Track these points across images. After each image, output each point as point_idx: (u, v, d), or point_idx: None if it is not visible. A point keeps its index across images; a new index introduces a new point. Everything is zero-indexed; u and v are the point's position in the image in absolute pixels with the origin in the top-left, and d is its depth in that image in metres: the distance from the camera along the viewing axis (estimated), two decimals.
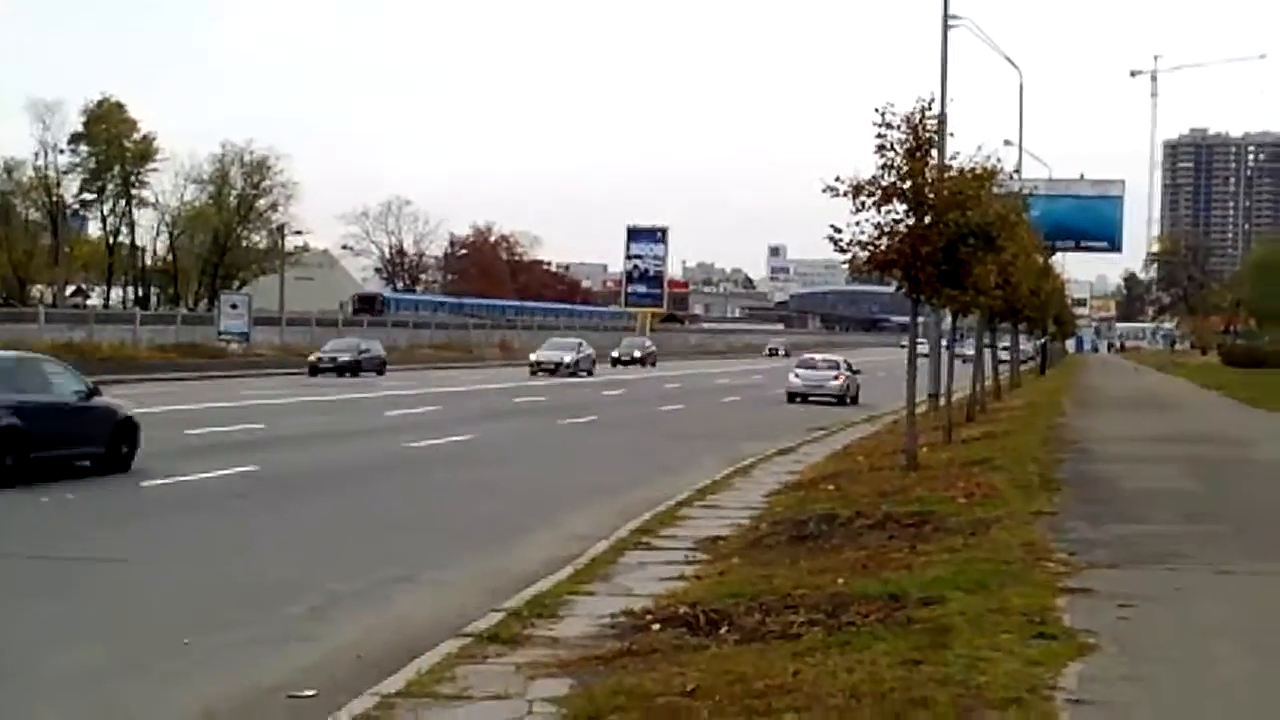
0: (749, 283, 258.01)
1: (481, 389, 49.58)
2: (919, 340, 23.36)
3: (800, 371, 48.75)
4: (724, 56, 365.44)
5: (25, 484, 17.85)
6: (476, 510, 18.23)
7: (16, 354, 23.13)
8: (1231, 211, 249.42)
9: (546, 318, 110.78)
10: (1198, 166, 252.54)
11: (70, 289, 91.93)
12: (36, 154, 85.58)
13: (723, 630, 9.61)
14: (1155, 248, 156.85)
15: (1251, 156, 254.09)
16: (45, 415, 19.49)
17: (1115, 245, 79.82)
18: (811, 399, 45.15)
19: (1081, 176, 76.51)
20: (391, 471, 22.20)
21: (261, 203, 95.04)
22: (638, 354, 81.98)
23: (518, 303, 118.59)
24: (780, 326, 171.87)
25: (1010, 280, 27.17)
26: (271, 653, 9.98)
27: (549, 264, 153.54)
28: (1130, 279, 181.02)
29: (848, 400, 46.02)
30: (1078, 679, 8.17)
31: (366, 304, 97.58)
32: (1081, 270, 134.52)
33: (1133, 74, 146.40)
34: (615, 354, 79.27)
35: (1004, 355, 51.66)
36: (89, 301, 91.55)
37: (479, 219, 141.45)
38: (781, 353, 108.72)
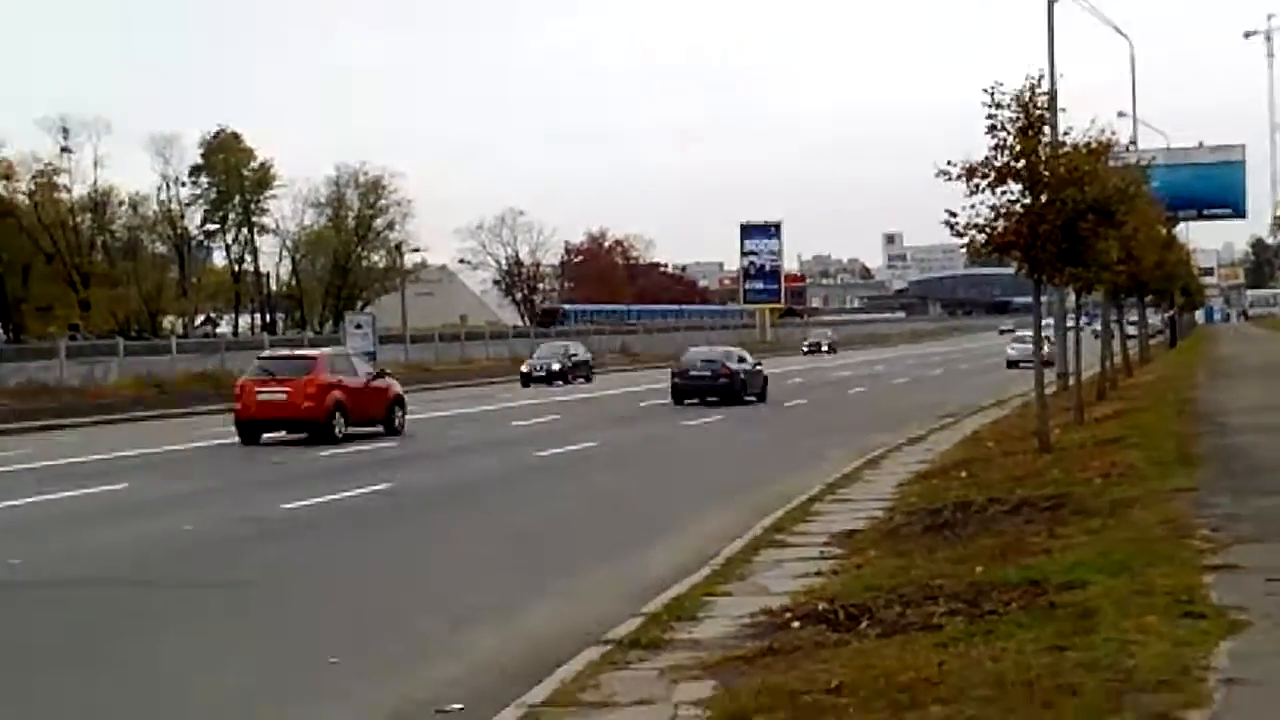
0: (866, 272, 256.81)
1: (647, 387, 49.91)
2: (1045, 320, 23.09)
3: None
4: (826, 43, 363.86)
5: None
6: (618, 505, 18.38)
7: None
8: None
9: (693, 319, 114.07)
10: None
11: (199, 319, 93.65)
12: (159, 188, 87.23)
13: (863, 624, 9.56)
14: None
15: None
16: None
17: (1240, 211, 78.28)
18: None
19: (1200, 144, 75.08)
20: (529, 479, 22.43)
21: (378, 222, 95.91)
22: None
23: (674, 307, 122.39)
24: (902, 314, 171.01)
25: (1133, 254, 26.86)
26: (417, 668, 10.02)
27: (665, 266, 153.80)
28: (1257, 244, 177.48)
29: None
30: (1230, 657, 8.02)
31: (549, 316, 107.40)
32: (1207, 239, 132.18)
33: (1246, 35, 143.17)
34: (525, 368, 61.18)
35: (1132, 330, 51.00)
36: (218, 330, 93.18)
37: (593, 225, 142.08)
38: (825, 348, 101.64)
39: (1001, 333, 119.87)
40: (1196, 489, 14.97)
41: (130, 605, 12.75)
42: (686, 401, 41.05)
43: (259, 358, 34.66)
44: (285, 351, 39.92)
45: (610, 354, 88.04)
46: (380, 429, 31.31)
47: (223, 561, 15.08)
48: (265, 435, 30.34)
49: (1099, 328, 40.19)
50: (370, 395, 31.31)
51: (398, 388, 33.09)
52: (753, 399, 42.21)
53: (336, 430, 29.50)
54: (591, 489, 21.37)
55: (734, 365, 42.73)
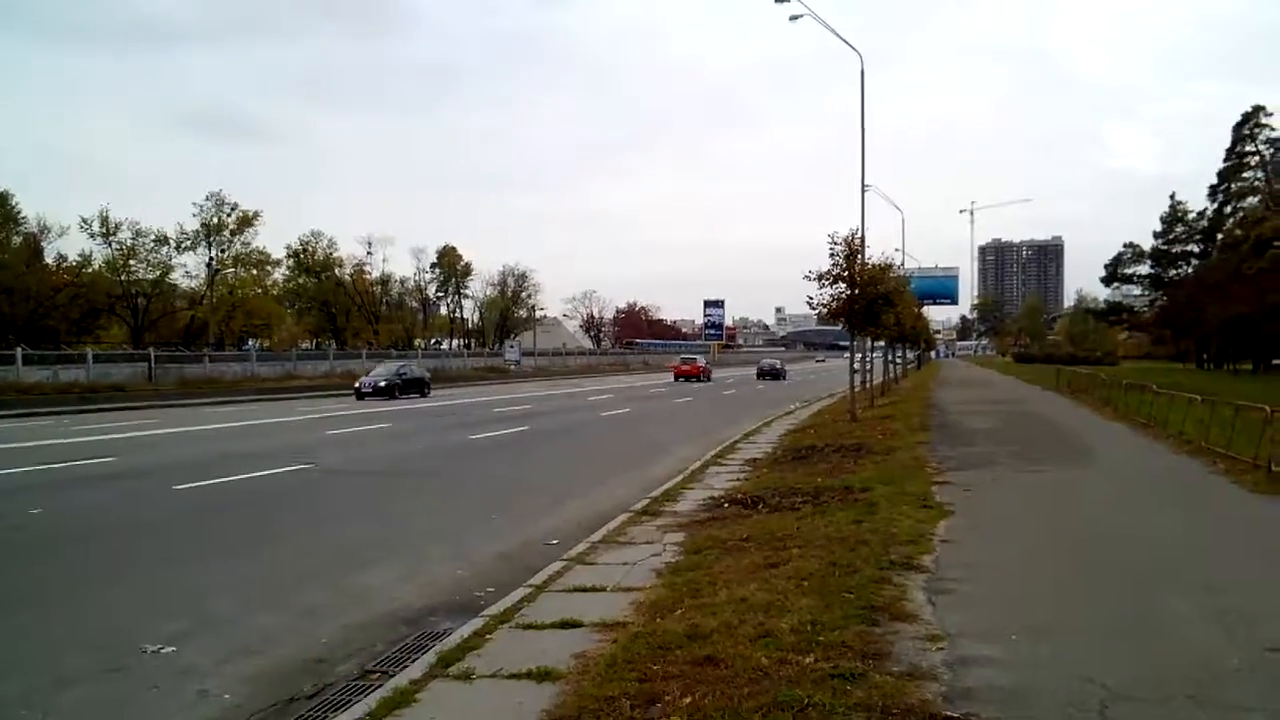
0: (766, 327, 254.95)
1: (631, 385, 49.66)
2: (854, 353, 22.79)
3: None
4: (750, 199, 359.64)
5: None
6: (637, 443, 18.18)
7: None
8: (1015, 281, 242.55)
9: (669, 350, 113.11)
10: (997, 258, 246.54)
11: (433, 340, 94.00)
12: (414, 273, 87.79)
13: (759, 507, 9.52)
14: (976, 301, 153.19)
15: (1025, 252, 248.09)
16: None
17: (955, 301, 78.51)
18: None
19: (936, 266, 74.78)
20: (598, 427, 22.26)
21: (523, 294, 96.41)
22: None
23: (661, 341, 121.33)
24: (783, 349, 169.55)
25: (901, 321, 26.71)
26: (534, 522, 9.86)
27: (665, 320, 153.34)
28: (963, 318, 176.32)
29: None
30: (945, 529, 7.98)
31: (629, 345, 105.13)
32: (937, 315, 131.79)
33: (960, 210, 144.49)
34: (359, 384, 34.93)
35: (899, 360, 50.69)
36: (442, 347, 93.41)
37: (631, 298, 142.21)
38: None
39: (817, 361, 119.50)
40: (930, 443, 14.90)
41: (385, 485, 12.72)
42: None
43: (680, 358, 48.72)
44: (689, 356, 54.25)
45: (636, 365, 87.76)
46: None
47: (443, 463, 14.86)
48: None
49: (877, 359, 39.81)
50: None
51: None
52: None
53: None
54: (640, 435, 20.92)
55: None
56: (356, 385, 35.62)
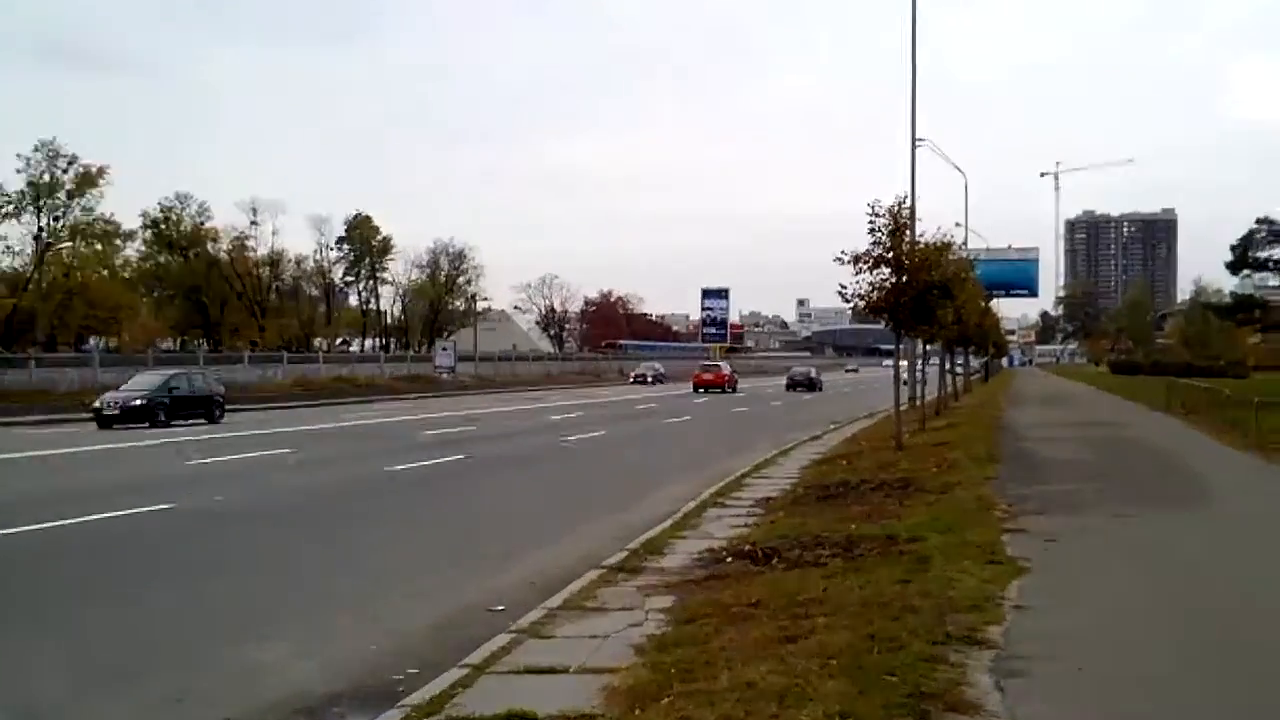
0: (784, 324, 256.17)
1: (619, 398, 49.79)
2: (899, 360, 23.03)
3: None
4: (765, 163, 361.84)
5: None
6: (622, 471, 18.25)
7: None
8: (1112, 266, 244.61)
9: (656, 353, 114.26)
10: (1089, 236, 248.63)
11: (339, 340, 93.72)
12: (315, 251, 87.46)
13: (774, 561, 9.54)
14: (1061, 293, 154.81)
15: (1125, 229, 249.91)
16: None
17: (1034, 292, 78.99)
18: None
19: (1009, 246, 75.46)
20: (560, 455, 22.31)
21: (460, 280, 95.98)
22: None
23: (646, 343, 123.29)
24: (807, 354, 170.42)
25: (962, 318, 26.95)
26: (476, 581, 9.87)
27: (650, 315, 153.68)
28: (1044, 315, 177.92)
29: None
30: (1018, 591, 8.04)
31: (612, 347, 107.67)
32: (1011, 310, 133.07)
33: (1042, 174, 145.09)
34: (100, 403, 31.61)
35: (959, 369, 51.05)
36: (350, 348, 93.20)
37: (603, 285, 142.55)
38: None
39: (848, 370, 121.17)
40: (998, 478, 15.01)
41: (282, 531, 12.69)
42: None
43: (702, 364, 60.02)
44: (710, 363, 63.93)
45: (611, 372, 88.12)
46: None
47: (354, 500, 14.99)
48: None
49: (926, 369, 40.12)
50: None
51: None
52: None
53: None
54: (618, 466, 21.19)
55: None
56: (97, 405, 31.02)
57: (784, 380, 63.51)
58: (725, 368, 62.53)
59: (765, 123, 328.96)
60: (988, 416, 29.92)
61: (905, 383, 24.88)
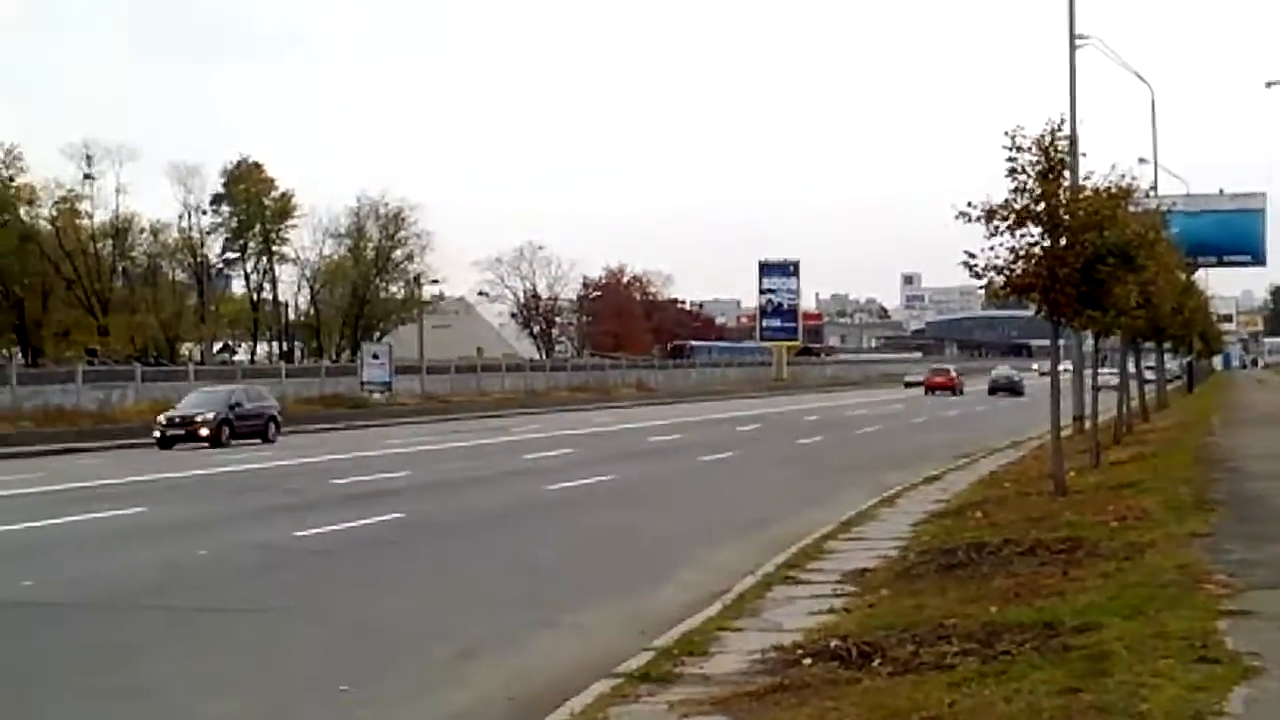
0: (884, 312, 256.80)
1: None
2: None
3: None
4: (849, 87, 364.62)
5: None
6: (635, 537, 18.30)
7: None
8: None
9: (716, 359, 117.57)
10: None
11: (217, 346, 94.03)
12: (180, 216, 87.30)
13: (875, 663, 9.51)
14: None
15: None
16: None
17: (1259, 259, 77.94)
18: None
19: (1221, 191, 74.87)
20: (546, 509, 22.37)
21: (398, 254, 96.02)
22: None
23: (724, 344, 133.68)
24: (918, 355, 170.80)
25: (1151, 299, 26.71)
26: (425, 697, 9.96)
27: (682, 302, 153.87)
28: (1276, 292, 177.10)
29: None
30: (1244, 703, 7.96)
31: (678, 351, 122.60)
32: (1226, 286, 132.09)
33: (1269, 85, 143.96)
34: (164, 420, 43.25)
35: (1149, 375, 50.87)
36: (235, 357, 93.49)
37: (611, 260, 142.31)
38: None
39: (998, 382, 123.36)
40: (1212, 534, 14.89)
41: (133, 627, 12.76)
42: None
43: (932, 368, 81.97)
44: (940, 366, 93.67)
45: (624, 387, 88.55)
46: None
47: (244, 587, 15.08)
48: None
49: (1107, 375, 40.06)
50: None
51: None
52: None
53: None
54: (634, 524, 21.35)
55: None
56: (161, 422, 42.64)
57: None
58: (953, 371, 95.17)
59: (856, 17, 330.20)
60: (1193, 444, 29.77)
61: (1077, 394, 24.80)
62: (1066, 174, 20.01)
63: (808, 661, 9.81)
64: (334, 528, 19.67)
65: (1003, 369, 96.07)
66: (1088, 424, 29.54)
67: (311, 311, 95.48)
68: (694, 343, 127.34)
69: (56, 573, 15.90)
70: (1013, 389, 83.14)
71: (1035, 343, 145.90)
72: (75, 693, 10.31)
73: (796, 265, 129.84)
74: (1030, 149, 19.39)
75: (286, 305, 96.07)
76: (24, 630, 12.81)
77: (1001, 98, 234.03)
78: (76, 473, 31.08)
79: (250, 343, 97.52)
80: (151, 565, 16.44)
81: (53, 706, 10.04)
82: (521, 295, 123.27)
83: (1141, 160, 48.00)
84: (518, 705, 9.37)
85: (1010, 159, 19.43)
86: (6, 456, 36.98)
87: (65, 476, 29.88)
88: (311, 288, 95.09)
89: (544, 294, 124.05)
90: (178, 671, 11.07)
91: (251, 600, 14.21)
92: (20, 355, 75.19)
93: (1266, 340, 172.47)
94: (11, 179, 78.10)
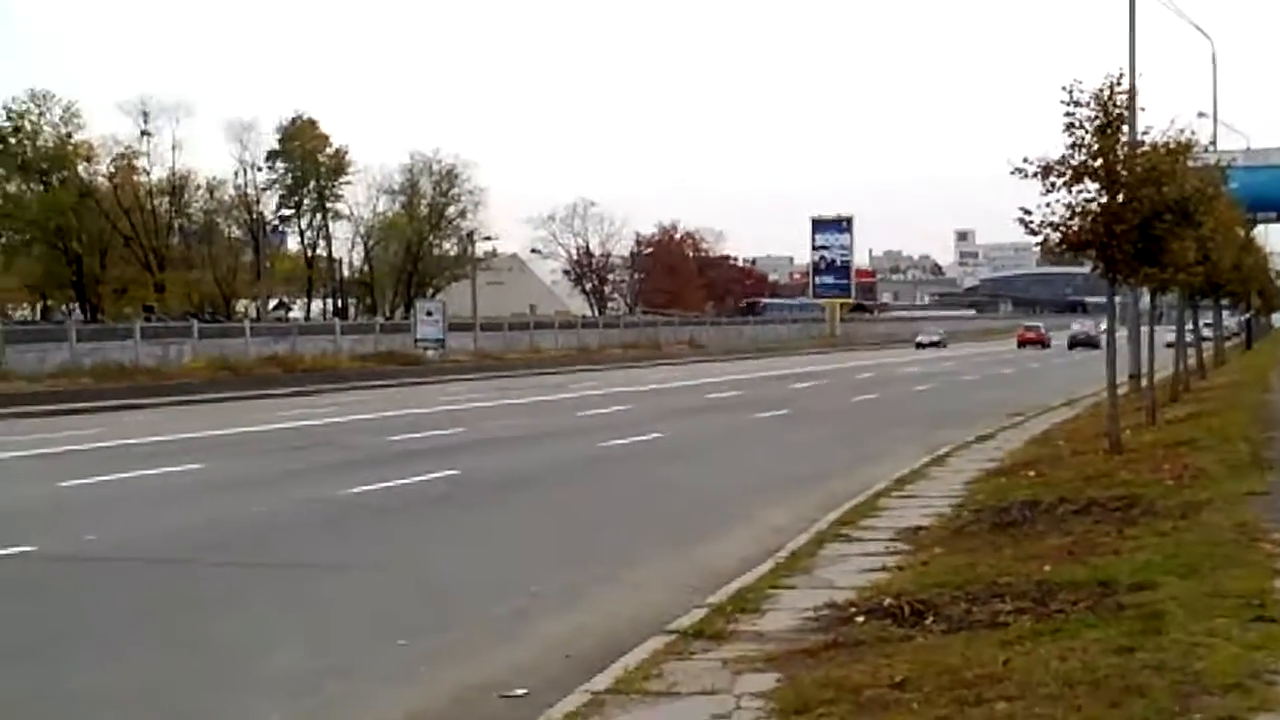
0: (937, 269, 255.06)
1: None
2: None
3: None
4: (902, 41, 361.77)
5: None
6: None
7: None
8: None
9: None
10: None
11: (273, 303, 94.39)
12: (236, 173, 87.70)
13: (928, 620, 9.52)
14: None
15: None
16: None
17: None
18: None
19: None
20: (598, 466, 22.48)
21: (451, 210, 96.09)
22: None
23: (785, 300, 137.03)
24: (972, 312, 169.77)
25: (1210, 256, 26.49)
26: (481, 653, 10.02)
27: (735, 259, 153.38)
28: None
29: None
30: None
31: (751, 307, 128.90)
32: None
33: None
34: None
35: (1207, 332, 50.45)
36: (290, 314, 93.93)
37: (664, 218, 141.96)
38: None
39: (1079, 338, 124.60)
40: (1269, 493, 14.77)
41: (193, 583, 12.93)
42: None
43: (1025, 325, 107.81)
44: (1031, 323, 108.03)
45: (677, 344, 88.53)
46: None
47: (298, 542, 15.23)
48: None
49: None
50: None
51: None
52: None
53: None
54: (685, 481, 21.40)
55: None
56: None
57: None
58: (1042, 327, 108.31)
59: None
60: (1250, 402, 29.53)
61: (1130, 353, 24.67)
62: (1125, 129, 19.83)
63: (860, 619, 9.83)
64: (390, 484, 19.77)
65: (1082, 324, 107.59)
66: (1144, 382, 29.41)
67: (365, 268, 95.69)
68: (764, 300, 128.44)
69: (118, 528, 16.07)
70: (1090, 343, 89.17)
71: (1091, 300, 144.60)
72: (144, 644, 10.48)
73: (850, 221, 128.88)
74: (1088, 104, 19.22)
75: (341, 262, 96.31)
76: (89, 584, 12.97)
77: (1059, 54, 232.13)
78: (135, 428, 31.34)
79: (305, 299, 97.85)
80: (211, 521, 16.60)
81: (132, 650, 10.21)
82: (574, 252, 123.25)
83: (1201, 114, 47.38)
84: (574, 662, 9.43)
85: (1068, 114, 19.25)
86: (66, 412, 37.31)
87: (123, 432, 30.12)
88: (365, 244, 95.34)
89: (596, 251, 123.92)
90: (240, 625, 11.21)
91: (311, 556, 14.36)
92: (79, 311, 75.83)
93: None
94: (70, 135, 78.53)
